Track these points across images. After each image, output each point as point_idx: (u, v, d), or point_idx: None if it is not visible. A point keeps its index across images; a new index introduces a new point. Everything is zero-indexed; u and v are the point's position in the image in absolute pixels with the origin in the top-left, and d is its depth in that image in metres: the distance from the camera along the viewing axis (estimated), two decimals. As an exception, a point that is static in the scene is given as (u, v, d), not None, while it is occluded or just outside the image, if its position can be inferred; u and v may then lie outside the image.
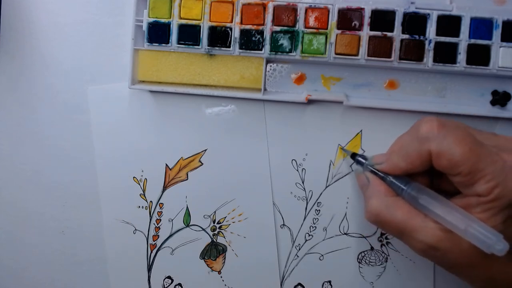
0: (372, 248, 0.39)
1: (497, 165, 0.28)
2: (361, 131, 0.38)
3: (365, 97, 0.37)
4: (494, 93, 0.37)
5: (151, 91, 0.39)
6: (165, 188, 0.39)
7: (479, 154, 0.28)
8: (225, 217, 0.39)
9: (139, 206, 0.40)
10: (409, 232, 0.30)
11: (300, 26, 0.36)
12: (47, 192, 0.40)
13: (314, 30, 0.36)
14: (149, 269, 0.40)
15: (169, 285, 0.40)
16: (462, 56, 0.35)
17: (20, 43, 0.40)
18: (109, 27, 0.39)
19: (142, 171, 0.39)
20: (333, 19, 0.36)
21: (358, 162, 0.36)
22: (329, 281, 0.39)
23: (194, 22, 0.36)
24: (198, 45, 0.36)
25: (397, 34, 0.35)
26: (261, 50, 0.36)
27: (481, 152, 0.28)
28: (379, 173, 0.33)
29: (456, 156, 0.28)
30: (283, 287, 0.39)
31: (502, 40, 0.35)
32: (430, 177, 0.32)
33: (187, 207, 0.39)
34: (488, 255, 0.27)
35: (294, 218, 0.39)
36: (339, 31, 0.36)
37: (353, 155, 0.36)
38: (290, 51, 0.36)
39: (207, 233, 0.40)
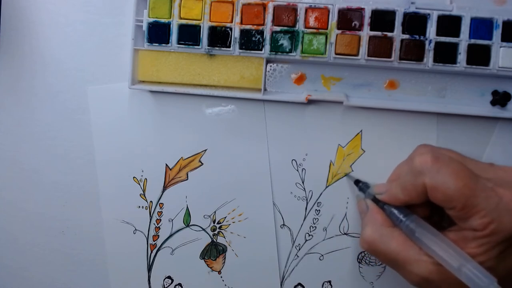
0: (372, 248, 0.39)
1: (492, 201, 0.28)
2: (361, 131, 0.38)
3: (365, 97, 0.37)
4: (494, 93, 0.37)
5: (151, 91, 0.39)
6: (165, 188, 0.39)
7: (473, 189, 0.28)
8: (225, 217, 0.39)
9: (139, 206, 0.40)
10: (403, 264, 0.30)
11: (300, 26, 0.36)
12: (47, 192, 0.40)
13: (314, 30, 0.36)
14: (149, 269, 0.40)
15: (169, 285, 0.40)
16: (462, 56, 0.35)
17: (20, 43, 0.40)
18: (109, 27, 0.39)
19: (142, 171, 0.39)
20: (333, 19, 0.36)
21: (361, 189, 0.36)
22: (329, 281, 0.39)
23: (194, 22, 0.36)
24: (198, 45, 0.36)
25: (397, 34, 0.35)
26: (261, 50, 0.36)
27: (476, 187, 0.28)
28: (379, 202, 0.33)
29: (451, 190, 0.28)
30: (283, 287, 0.39)
31: (502, 40, 0.35)
32: (431, 206, 0.32)
33: (187, 207, 0.39)
34: None
35: (294, 218, 0.39)
36: (339, 31, 0.35)
37: (356, 182, 0.36)
38: (290, 51, 0.36)
39: (207, 233, 0.40)
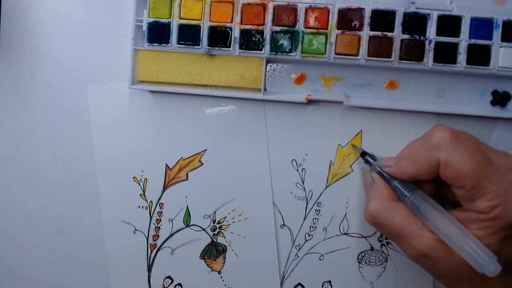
0: (372, 248, 0.39)
1: (502, 185, 0.28)
2: (361, 131, 0.38)
3: (365, 97, 0.37)
4: (494, 93, 0.37)
5: (151, 91, 0.39)
6: (165, 188, 0.39)
7: (486, 170, 0.28)
8: (225, 217, 0.39)
9: (139, 206, 0.40)
10: (405, 238, 0.30)
11: (300, 26, 0.36)
12: (47, 192, 0.40)
13: (314, 30, 0.36)
14: (149, 269, 0.40)
15: (169, 285, 0.40)
16: (462, 56, 0.35)
17: (20, 43, 0.40)
18: (109, 27, 0.39)
19: (142, 171, 0.39)
20: (333, 19, 0.36)
21: (367, 162, 0.36)
22: (329, 281, 0.39)
23: (194, 22, 0.36)
24: (198, 45, 0.36)
25: (397, 34, 0.35)
26: (261, 50, 0.36)
27: (489, 169, 0.28)
28: (386, 175, 0.33)
29: (464, 169, 0.28)
30: (283, 287, 0.39)
31: (502, 40, 0.35)
32: (436, 185, 0.32)
33: (187, 207, 0.39)
34: (478, 272, 0.27)
35: (294, 218, 0.39)
36: (339, 31, 0.35)
37: (363, 154, 0.36)
38: (290, 51, 0.36)
39: (207, 233, 0.40)
